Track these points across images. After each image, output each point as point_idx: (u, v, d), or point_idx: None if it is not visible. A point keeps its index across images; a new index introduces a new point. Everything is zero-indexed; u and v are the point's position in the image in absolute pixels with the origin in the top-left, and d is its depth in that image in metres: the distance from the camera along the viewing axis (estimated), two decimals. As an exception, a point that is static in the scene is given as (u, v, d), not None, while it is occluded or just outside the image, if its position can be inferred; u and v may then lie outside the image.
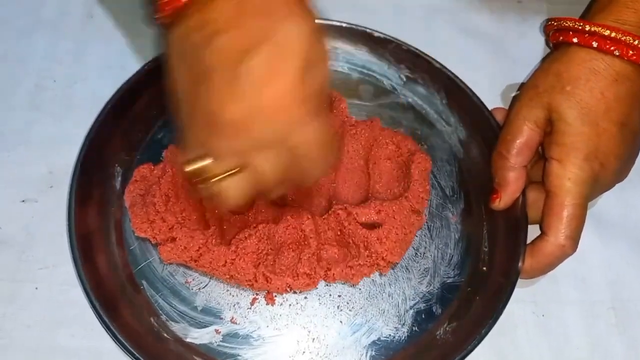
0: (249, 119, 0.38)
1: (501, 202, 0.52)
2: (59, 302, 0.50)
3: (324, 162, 0.43)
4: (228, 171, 0.40)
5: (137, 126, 0.56)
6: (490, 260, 0.53)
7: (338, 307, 0.51)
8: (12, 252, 0.52)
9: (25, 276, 0.51)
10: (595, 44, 0.50)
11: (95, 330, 0.48)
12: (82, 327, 0.49)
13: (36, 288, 0.51)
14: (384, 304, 0.51)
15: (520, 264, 0.50)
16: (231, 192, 0.41)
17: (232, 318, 0.50)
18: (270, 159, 0.40)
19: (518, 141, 0.52)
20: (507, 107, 0.58)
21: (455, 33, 0.65)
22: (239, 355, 0.49)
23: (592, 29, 0.50)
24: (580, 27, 0.51)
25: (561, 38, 0.53)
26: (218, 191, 0.41)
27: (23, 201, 0.54)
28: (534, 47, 0.64)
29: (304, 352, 0.49)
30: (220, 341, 0.49)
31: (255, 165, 0.40)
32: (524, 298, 0.53)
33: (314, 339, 0.50)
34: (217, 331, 0.49)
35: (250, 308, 0.50)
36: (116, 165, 0.54)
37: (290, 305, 0.51)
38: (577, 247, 0.50)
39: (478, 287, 0.52)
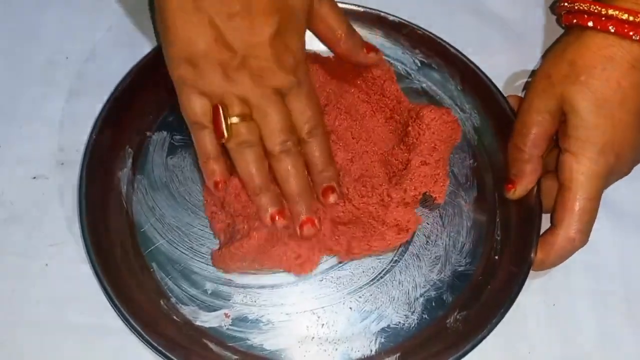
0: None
1: (516, 192, 0.52)
2: (69, 279, 0.50)
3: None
4: (238, 115, 0.46)
5: (148, 107, 0.56)
6: (503, 248, 0.53)
7: (348, 293, 0.51)
8: (23, 229, 0.52)
9: (36, 252, 0.51)
10: (612, 29, 0.48)
11: (104, 308, 0.48)
12: (92, 304, 0.49)
13: (46, 265, 0.51)
14: (394, 291, 0.51)
15: (532, 254, 0.50)
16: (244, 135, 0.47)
17: (242, 302, 0.50)
18: (273, 107, 0.46)
19: (533, 133, 0.51)
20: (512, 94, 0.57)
21: (472, 18, 0.64)
22: (247, 339, 0.49)
23: (609, 12, 0.48)
24: (596, 11, 0.49)
25: (575, 21, 0.51)
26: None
27: (34, 178, 0.54)
28: (554, 32, 0.62)
29: (313, 337, 0.49)
30: (230, 325, 0.49)
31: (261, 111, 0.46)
32: (535, 287, 0.52)
33: (323, 324, 0.49)
34: (226, 315, 0.49)
35: (260, 293, 0.50)
36: (127, 146, 0.54)
37: (301, 292, 0.51)
38: (587, 240, 0.49)
39: (490, 276, 0.52)
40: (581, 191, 0.48)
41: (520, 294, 0.49)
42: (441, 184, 0.52)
